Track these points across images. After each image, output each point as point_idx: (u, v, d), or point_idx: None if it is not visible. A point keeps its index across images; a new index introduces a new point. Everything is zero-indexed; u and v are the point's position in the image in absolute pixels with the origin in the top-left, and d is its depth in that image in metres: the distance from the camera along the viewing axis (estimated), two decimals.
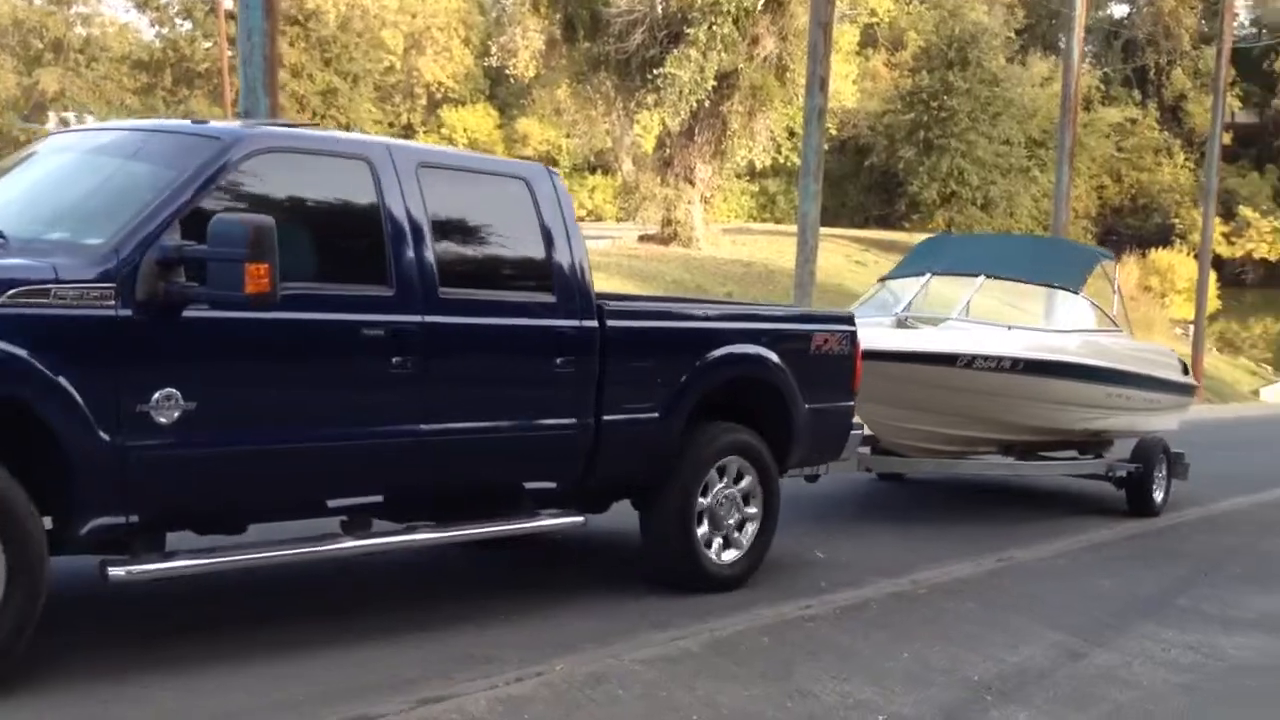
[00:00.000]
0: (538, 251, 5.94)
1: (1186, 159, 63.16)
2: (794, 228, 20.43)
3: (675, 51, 31.73)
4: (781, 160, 42.97)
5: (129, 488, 4.50)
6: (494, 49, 39.02)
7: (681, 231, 32.65)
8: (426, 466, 5.41)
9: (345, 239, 5.37)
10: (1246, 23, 61.41)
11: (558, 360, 5.86)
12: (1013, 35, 49.76)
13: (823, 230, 17.40)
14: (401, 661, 5.05)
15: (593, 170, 52.33)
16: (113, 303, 4.43)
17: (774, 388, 6.74)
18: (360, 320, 5.12)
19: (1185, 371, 12.05)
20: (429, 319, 5.32)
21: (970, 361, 8.81)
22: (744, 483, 6.65)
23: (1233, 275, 56.23)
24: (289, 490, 5.06)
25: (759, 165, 42.36)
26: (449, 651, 5.25)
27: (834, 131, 42.16)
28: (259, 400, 4.88)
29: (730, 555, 6.64)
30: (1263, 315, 52.94)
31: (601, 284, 6.48)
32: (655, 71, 34.51)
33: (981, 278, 10.12)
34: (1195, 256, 40.19)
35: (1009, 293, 10.55)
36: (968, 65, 41.10)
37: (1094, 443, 10.65)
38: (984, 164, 39.05)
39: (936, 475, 10.78)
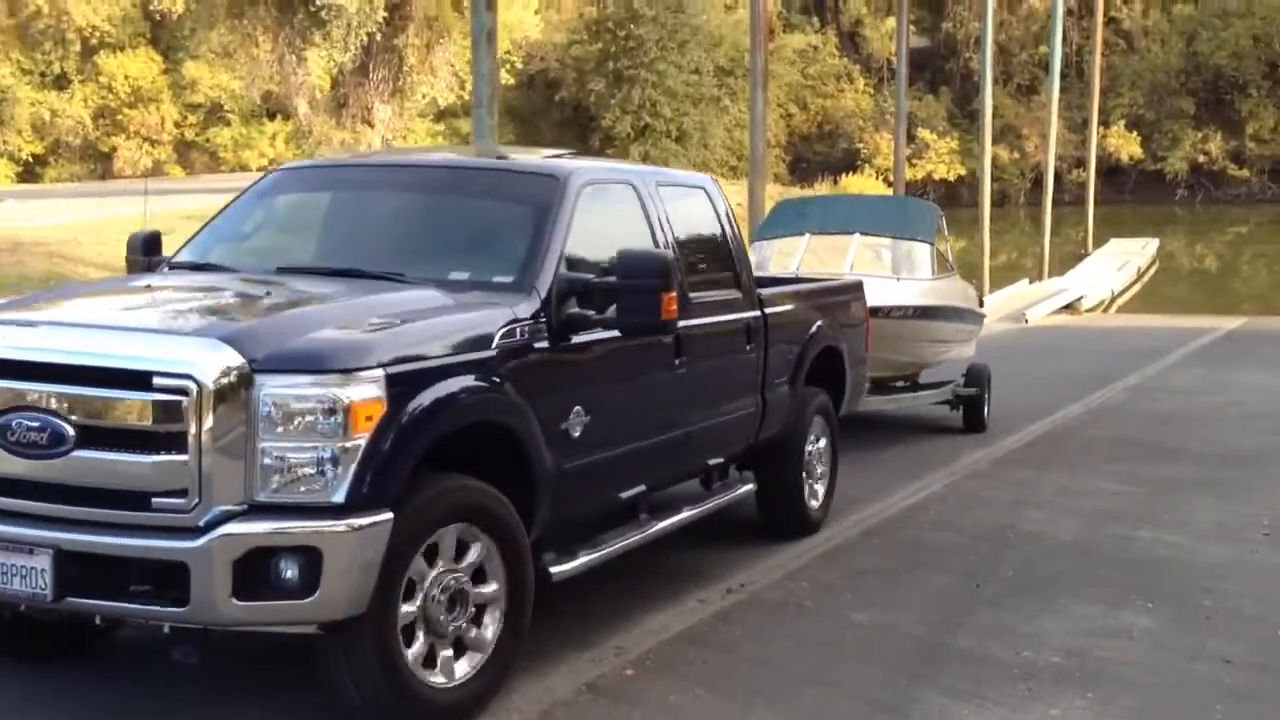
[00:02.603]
0: (724, 251, 6.79)
1: (866, 84, 64.48)
2: None
3: None
4: (467, 97, 40.54)
5: (557, 497, 4.96)
6: None
7: None
8: (681, 452, 6.14)
9: None
10: None
11: (747, 347, 6.70)
12: None
13: None
14: None
15: (272, 116, 48.10)
16: (545, 334, 4.94)
17: (839, 353, 7.84)
18: None
19: (980, 302, 13.35)
20: (690, 321, 5.91)
21: (889, 312, 9.88)
22: (820, 430, 7.61)
23: (916, 196, 57.75)
24: (614, 486, 5.61)
25: (443, 103, 39.78)
26: None
27: (520, 65, 40.10)
28: (616, 408, 5.43)
29: (821, 493, 7.65)
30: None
31: None
32: (318, 3, 31.56)
33: (857, 236, 11.26)
34: (886, 181, 40.53)
35: (861, 247, 11.28)
36: None
37: (913, 374, 11.48)
38: (675, 95, 37.93)
39: None
